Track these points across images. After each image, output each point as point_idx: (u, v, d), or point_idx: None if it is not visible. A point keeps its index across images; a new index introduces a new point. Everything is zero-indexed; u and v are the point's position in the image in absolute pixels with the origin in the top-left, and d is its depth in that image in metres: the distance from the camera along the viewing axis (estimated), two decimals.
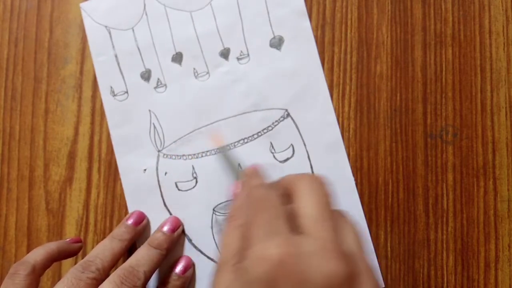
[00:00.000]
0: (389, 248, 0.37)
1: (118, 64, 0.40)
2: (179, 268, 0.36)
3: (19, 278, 0.31)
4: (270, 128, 0.38)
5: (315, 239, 0.25)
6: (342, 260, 0.25)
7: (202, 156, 0.38)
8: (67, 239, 0.36)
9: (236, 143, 0.38)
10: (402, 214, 0.38)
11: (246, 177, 0.34)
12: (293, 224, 0.27)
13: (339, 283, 0.24)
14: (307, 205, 0.28)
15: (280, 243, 0.25)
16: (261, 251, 0.25)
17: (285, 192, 0.30)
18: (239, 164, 0.36)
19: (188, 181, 0.38)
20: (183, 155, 0.39)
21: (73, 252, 0.36)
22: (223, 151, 0.37)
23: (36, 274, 0.32)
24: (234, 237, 0.28)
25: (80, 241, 0.37)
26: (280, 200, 0.29)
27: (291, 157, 0.38)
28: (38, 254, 0.33)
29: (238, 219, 0.29)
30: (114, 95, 0.39)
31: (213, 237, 0.38)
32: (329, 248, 0.25)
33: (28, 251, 0.39)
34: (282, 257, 0.24)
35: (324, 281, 0.24)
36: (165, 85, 0.39)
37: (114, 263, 0.34)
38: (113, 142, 0.39)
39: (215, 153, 0.38)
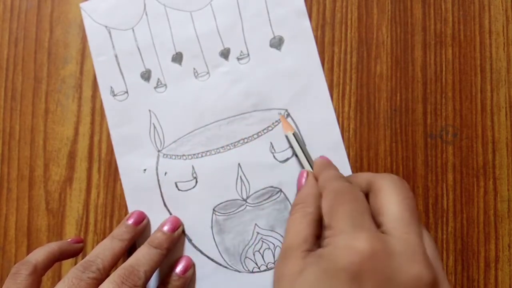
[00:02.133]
0: None
1: (118, 64, 0.40)
2: (179, 268, 0.37)
3: (20, 278, 0.31)
4: (270, 128, 0.38)
5: (403, 240, 0.25)
6: (428, 266, 0.25)
7: (202, 156, 0.38)
8: (69, 239, 0.36)
9: (236, 143, 0.38)
10: None
11: (319, 167, 0.34)
12: (375, 218, 0.27)
13: (423, 287, 0.24)
14: (391, 205, 0.27)
15: (370, 237, 0.25)
16: (350, 241, 0.25)
17: (363, 189, 0.30)
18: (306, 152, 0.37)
19: (188, 181, 0.38)
20: (183, 155, 0.39)
21: (75, 252, 0.36)
22: (295, 134, 0.37)
23: (38, 274, 0.32)
24: (303, 223, 0.28)
25: (81, 241, 0.37)
26: (362, 195, 0.28)
27: (291, 157, 0.38)
28: (39, 254, 0.33)
29: (307, 207, 0.29)
30: (114, 95, 0.39)
31: (213, 237, 0.38)
32: (417, 252, 0.25)
33: (28, 251, 0.39)
34: (373, 252, 0.24)
35: (410, 283, 0.24)
36: (165, 85, 0.39)
37: (114, 263, 0.34)
38: (113, 142, 0.39)
39: (215, 153, 0.38)
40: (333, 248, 0.25)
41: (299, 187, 0.34)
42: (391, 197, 0.27)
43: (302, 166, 0.37)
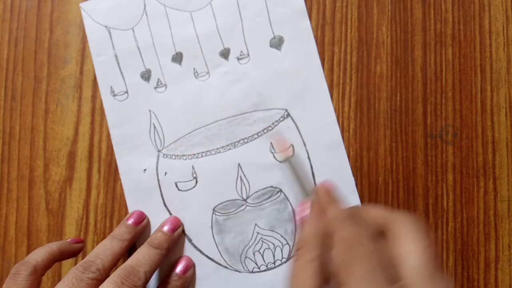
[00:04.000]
0: None
1: (118, 64, 0.40)
2: (179, 268, 0.37)
3: (20, 278, 0.31)
4: (270, 128, 0.38)
5: None
6: None
7: (202, 156, 0.38)
8: (68, 239, 0.36)
9: (236, 143, 0.38)
10: None
11: (321, 200, 0.30)
12: (391, 270, 0.25)
13: None
14: (412, 255, 0.25)
15: None
16: None
17: (376, 230, 0.27)
18: (306, 176, 0.32)
19: (188, 181, 0.38)
20: (183, 155, 0.39)
21: (75, 252, 0.36)
22: (290, 161, 0.34)
23: (38, 274, 0.32)
24: (309, 272, 0.26)
25: (81, 242, 0.37)
26: (373, 242, 0.26)
27: (291, 157, 0.38)
28: (39, 254, 0.33)
29: (311, 250, 0.26)
30: (114, 95, 0.39)
31: (213, 237, 0.38)
32: None
33: (28, 251, 0.39)
34: None
35: None
36: (165, 85, 0.39)
37: (114, 263, 0.34)
38: (113, 142, 0.39)
39: (215, 153, 0.38)
40: None
41: (300, 222, 0.31)
42: (412, 247, 0.25)
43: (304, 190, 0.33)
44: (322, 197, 0.30)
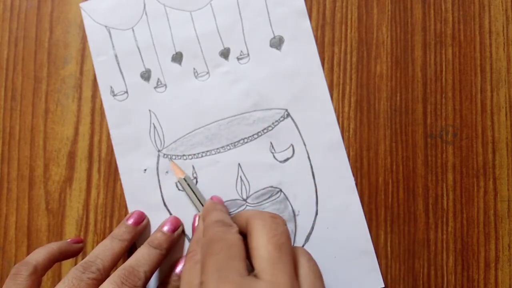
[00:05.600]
0: (389, 248, 0.37)
1: (118, 64, 0.40)
2: (179, 269, 0.36)
3: (21, 278, 0.31)
4: (270, 128, 0.38)
5: (270, 283, 0.25)
6: None
7: (202, 156, 0.38)
8: (68, 240, 0.36)
9: (236, 143, 0.38)
10: (402, 214, 0.38)
11: (205, 211, 0.34)
12: (249, 265, 0.27)
13: None
14: (259, 246, 0.27)
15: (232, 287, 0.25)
16: None
17: (241, 230, 0.30)
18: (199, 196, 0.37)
19: None
20: (183, 155, 0.39)
21: (75, 252, 0.36)
22: (185, 182, 0.38)
23: (38, 274, 0.32)
24: (193, 273, 0.28)
25: (81, 242, 0.37)
26: (238, 239, 0.28)
27: (291, 157, 0.38)
28: (39, 254, 0.33)
29: (195, 255, 0.30)
30: (114, 95, 0.39)
31: None
32: None
33: (28, 251, 0.39)
34: None
35: None
36: (165, 85, 0.39)
37: (114, 263, 0.34)
38: (113, 142, 0.39)
39: (215, 153, 0.38)
40: None
41: (193, 232, 0.35)
42: (260, 239, 0.27)
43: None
44: (205, 209, 0.35)
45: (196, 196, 0.37)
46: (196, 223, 0.37)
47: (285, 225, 0.29)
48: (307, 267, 0.28)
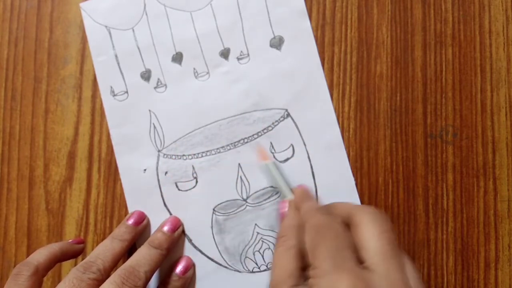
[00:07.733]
0: None
1: (118, 64, 0.40)
2: (179, 269, 0.37)
3: (22, 278, 0.31)
4: (270, 128, 0.38)
5: (385, 277, 0.25)
6: None
7: (202, 156, 0.38)
8: (70, 240, 0.36)
9: (236, 143, 0.38)
10: (402, 214, 0.38)
11: (299, 197, 0.34)
12: (357, 253, 0.27)
13: None
14: (372, 239, 0.27)
15: (352, 278, 0.25)
16: (331, 283, 0.25)
17: (343, 221, 0.29)
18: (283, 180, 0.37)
19: (188, 181, 0.38)
20: (183, 155, 0.39)
21: (76, 253, 0.36)
22: (271, 167, 0.37)
23: (39, 275, 0.32)
24: (287, 258, 0.28)
25: (82, 242, 0.37)
26: (346, 229, 0.28)
27: (291, 157, 0.38)
28: (41, 255, 0.33)
29: (289, 239, 0.30)
30: (114, 95, 0.39)
31: (213, 237, 0.38)
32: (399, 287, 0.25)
33: (28, 251, 0.39)
34: None
35: None
36: (165, 85, 0.39)
37: (115, 264, 0.34)
38: (113, 142, 0.39)
39: (215, 153, 0.38)
40: None
41: (281, 218, 0.34)
42: (371, 232, 0.28)
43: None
44: (298, 196, 0.35)
45: (284, 182, 0.36)
46: (282, 209, 0.35)
47: (390, 221, 0.29)
48: (412, 268, 0.28)
